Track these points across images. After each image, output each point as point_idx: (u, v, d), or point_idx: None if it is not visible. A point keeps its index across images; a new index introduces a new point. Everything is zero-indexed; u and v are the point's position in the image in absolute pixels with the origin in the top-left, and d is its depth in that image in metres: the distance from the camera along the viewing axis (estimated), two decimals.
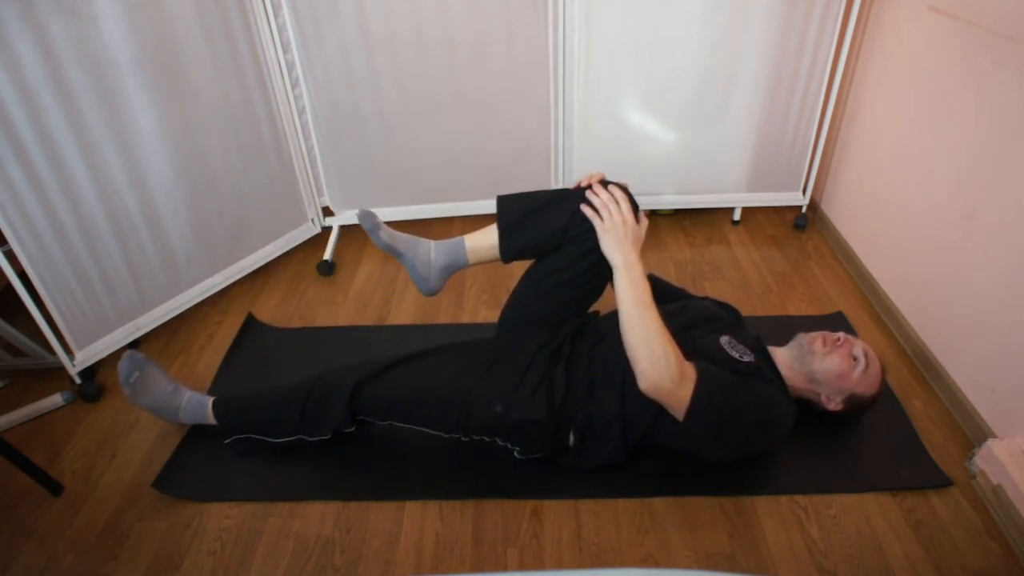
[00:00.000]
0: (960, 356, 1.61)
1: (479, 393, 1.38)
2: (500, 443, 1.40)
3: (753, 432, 1.35)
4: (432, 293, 1.54)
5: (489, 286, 2.13)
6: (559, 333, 1.48)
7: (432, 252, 1.51)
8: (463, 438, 1.40)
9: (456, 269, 1.52)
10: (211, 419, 1.52)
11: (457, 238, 1.50)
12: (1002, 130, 1.46)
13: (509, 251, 1.46)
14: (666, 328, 1.27)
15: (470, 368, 1.43)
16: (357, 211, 1.51)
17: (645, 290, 1.30)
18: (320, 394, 1.42)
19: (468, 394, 1.38)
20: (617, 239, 1.32)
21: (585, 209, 1.36)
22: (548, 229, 1.42)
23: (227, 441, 1.50)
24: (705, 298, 1.70)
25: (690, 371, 1.26)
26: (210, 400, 1.53)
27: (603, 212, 1.34)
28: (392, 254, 1.52)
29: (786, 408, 1.36)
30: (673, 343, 1.26)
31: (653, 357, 1.24)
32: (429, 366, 1.46)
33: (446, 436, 1.41)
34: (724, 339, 1.39)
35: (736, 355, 1.35)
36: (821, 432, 1.51)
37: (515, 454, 1.42)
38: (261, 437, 1.48)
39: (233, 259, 2.12)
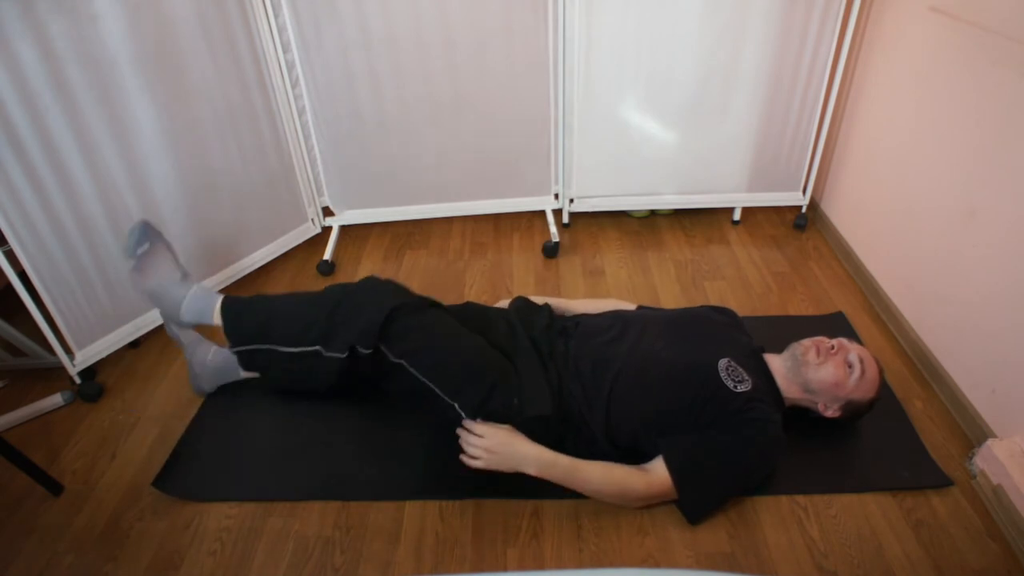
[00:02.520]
0: (960, 356, 1.61)
1: (502, 381, 1.35)
2: None
3: (746, 477, 1.38)
4: (201, 393, 1.65)
5: (490, 286, 2.13)
6: (538, 325, 1.53)
7: (210, 355, 1.61)
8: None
9: (229, 379, 1.64)
10: (216, 320, 1.45)
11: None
12: (1002, 130, 1.46)
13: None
14: (595, 462, 1.33)
15: (496, 355, 1.41)
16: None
17: (566, 465, 1.31)
18: (351, 306, 1.35)
19: (494, 376, 1.35)
20: (501, 462, 1.31)
21: (471, 464, 1.33)
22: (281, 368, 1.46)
23: (234, 350, 1.45)
24: (701, 308, 1.72)
25: (652, 476, 1.32)
26: (219, 299, 1.45)
27: (472, 454, 1.32)
28: (178, 345, 1.66)
29: (775, 446, 1.37)
30: (617, 468, 1.32)
31: (619, 498, 1.35)
32: (470, 332, 1.42)
33: (450, 402, 1.33)
34: (722, 363, 1.38)
35: (731, 385, 1.35)
36: (821, 432, 1.51)
37: None
38: (271, 347, 1.41)
39: (233, 259, 2.12)
